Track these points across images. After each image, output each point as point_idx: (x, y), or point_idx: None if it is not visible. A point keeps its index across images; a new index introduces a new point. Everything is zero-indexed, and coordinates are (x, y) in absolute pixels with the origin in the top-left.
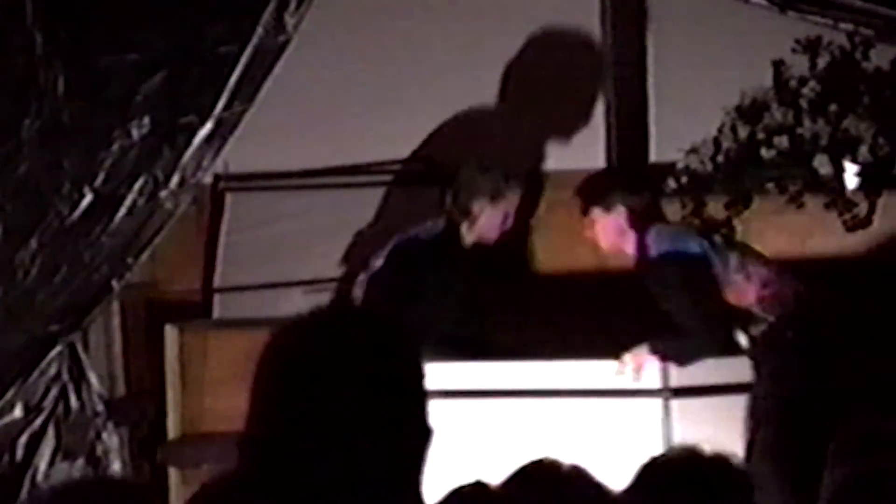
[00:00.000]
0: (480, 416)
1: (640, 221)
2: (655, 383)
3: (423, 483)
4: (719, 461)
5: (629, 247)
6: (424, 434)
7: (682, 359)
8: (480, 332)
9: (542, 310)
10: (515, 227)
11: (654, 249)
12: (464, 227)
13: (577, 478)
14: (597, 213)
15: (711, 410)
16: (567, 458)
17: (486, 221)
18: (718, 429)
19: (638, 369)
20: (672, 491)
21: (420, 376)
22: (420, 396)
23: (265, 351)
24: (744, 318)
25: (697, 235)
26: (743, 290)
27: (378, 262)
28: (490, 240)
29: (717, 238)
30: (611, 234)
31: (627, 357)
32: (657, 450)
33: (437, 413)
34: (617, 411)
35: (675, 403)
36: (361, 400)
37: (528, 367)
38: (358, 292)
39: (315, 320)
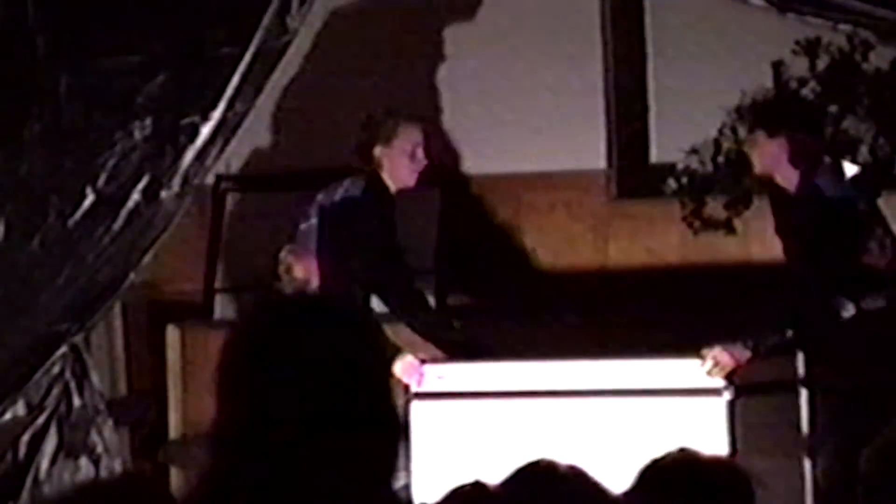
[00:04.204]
0: (483, 416)
1: (800, 157)
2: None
3: (396, 474)
4: (717, 463)
5: (782, 178)
6: (394, 425)
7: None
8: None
9: (541, 309)
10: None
11: (828, 191)
12: (386, 178)
13: (576, 478)
14: (760, 136)
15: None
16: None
17: (393, 166)
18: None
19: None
20: (670, 493)
21: (384, 363)
22: (385, 385)
23: (225, 345)
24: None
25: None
26: (873, 259)
27: (306, 226)
28: (409, 183)
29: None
30: (768, 159)
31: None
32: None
33: (444, 413)
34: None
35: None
36: (326, 392)
37: (532, 367)
38: (288, 258)
39: (271, 311)
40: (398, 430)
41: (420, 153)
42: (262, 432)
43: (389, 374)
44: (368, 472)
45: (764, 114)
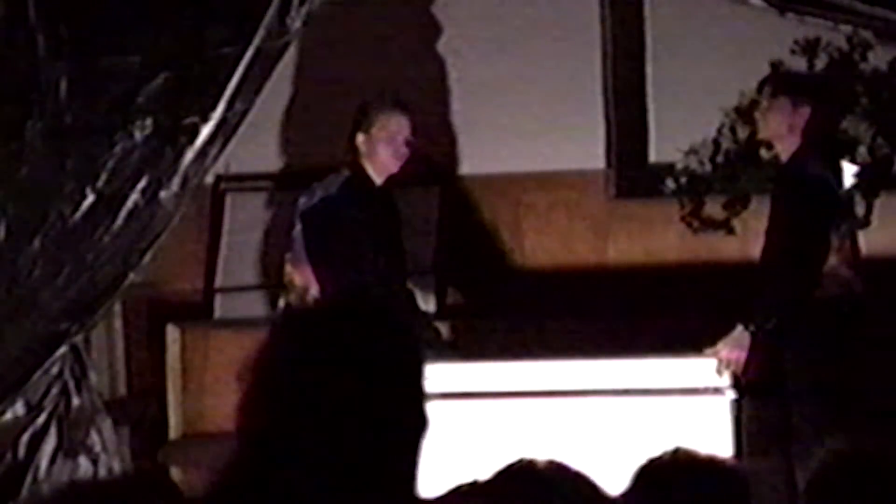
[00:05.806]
0: (482, 416)
1: (812, 130)
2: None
3: (418, 475)
4: (712, 463)
5: (785, 147)
6: (420, 425)
7: (766, 319)
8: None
9: (540, 309)
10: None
11: (811, 168)
12: (369, 169)
13: (570, 477)
14: (783, 101)
15: None
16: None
17: (374, 152)
18: None
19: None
20: (665, 493)
21: (417, 367)
22: (417, 387)
23: (263, 346)
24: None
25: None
26: (831, 251)
27: (295, 233)
28: (392, 170)
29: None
30: (780, 125)
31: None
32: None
33: (444, 414)
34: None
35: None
36: (357, 392)
37: (532, 367)
38: (287, 266)
39: (310, 314)
40: (425, 431)
41: (401, 139)
42: (293, 434)
43: (422, 379)
44: (395, 472)
45: (794, 82)
